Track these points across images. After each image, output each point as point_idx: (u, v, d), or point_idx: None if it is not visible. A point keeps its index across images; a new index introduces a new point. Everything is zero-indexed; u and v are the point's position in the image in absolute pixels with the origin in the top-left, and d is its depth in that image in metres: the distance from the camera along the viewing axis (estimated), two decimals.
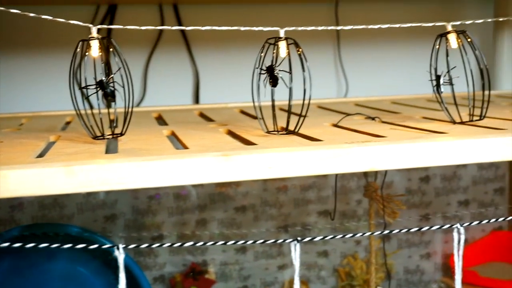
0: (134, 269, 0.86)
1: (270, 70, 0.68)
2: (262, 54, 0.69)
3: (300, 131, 0.72)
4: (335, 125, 0.79)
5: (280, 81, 0.68)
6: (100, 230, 1.09)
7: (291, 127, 0.69)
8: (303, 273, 1.17)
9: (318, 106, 1.04)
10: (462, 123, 0.73)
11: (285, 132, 0.69)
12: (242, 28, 0.69)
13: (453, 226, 0.59)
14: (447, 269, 1.22)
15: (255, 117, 0.73)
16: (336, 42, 1.27)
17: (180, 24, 1.20)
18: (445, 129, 0.69)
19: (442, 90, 0.74)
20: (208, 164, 0.54)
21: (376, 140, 0.62)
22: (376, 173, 0.86)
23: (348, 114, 0.87)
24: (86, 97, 0.63)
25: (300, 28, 0.70)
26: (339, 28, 0.69)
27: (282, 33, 0.69)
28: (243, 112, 0.97)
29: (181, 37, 1.21)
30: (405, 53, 1.31)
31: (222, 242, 0.57)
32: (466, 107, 0.76)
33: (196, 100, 1.22)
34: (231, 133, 0.75)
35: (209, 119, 0.91)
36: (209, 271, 1.10)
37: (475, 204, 1.24)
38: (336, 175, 0.93)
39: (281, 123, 0.72)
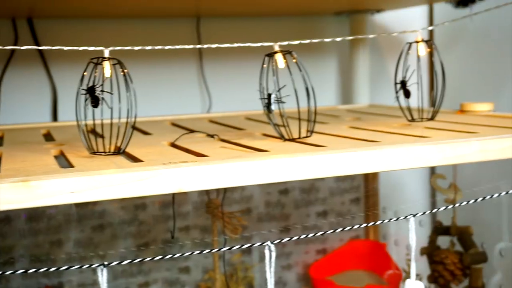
0: None
1: (91, 91, 0.67)
2: (85, 74, 0.68)
3: (133, 151, 0.72)
4: (172, 144, 0.79)
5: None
6: None
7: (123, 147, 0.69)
8: None
9: (172, 123, 1.04)
10: (292, 140, 0.75)
11: (111, 153, 0.69)
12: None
13: (264, 244, 0.60)
14: (309, 279, 1.25)
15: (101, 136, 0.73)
16: (198, 58, 1.28)
17: (35, 39, 1.17)
18: (270, 146, 0.70)
19: (273, 108, 0.77)
20: (6, 191, 0.52)
21: (195, 160, 0.62)
22: (217, 190, 0.87)
23: (189, 132, 0.88)
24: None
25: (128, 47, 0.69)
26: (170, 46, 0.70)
27: (106, 53, 0.69)
28: (92, 131, 0.96)
29: (37, 52, 1.18)
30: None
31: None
32: (314, 122, 0.77)
33: (55, 117, 1.19)
34: (61, 154, 0.74)
35: (51, 139, 0.89)
36: None
37: (333, 214, 1.29)
38: (173, 198, 0.94)
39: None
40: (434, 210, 0.69)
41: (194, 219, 1.14)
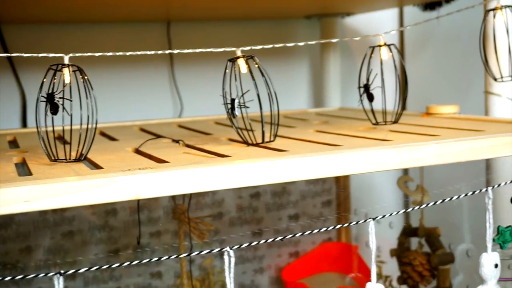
0: None
1: (50, 98, 0.67)
2: (45, 80, 0.68)
3: (96, 157, 0.72)
4: (136, 150, 0.79)
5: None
6: None
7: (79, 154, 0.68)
8: None
9: (141, 129, 1.04)
10: (255, 144, 0.76)
11: (72, 160, 0.68)
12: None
13: (223, 250, 0.61)
14: (281, 283, 1.26)
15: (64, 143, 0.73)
16: (169, 62, 1.28)
17: (4, 45, 1.16)
18: (233, 152, 0.71)
19: (236, 113, 0.77)
20: None
21: (154, 166, 0.62)
22: (184, 195, 0.87)
23: (155, 138, 0.88)
24: None
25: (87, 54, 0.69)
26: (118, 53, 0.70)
27: (66, 60, 0.68)
28: (59, 137, 0.96)
29: (6, 57, 1.17)
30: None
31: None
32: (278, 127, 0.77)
33: (24, 123, 1.19)
34: (23, 162, 0.73)
35: (16, 146, 0.88)
36: None
37: (305, 218, 1.29)
38: (138, 203, 0.94)
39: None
40: (394, 213, 0.69)
41: (165, 224, 1.14)
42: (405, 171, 1.36)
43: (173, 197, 0.87)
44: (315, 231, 0.69)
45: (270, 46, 0.79)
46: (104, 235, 1.12)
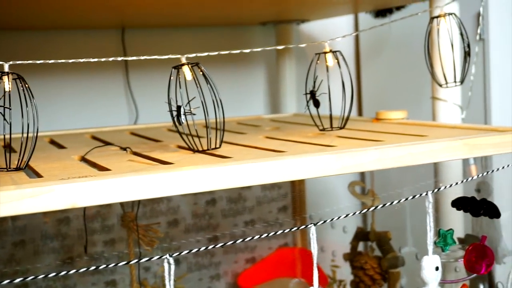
0: None
1: None
2: None
3: (38, 166, 0.71)
4: (82, 158, 0.78)
5: None
6: None
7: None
8: None
9: (92, 136, 1.03)
10: (201, 151, 0.76)
11: (13, 169, 0.68)
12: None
13: (163, 257, 0.61)
14: None
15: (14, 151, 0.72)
16: (124, 69, 1.28)
17: None
18: (177, 159, 0.71)
19: (182, 121, 0.77)
20: None
21: (95, 174, 0.62)
22: (133, 202, 0.87)
23: (103, 145, 0.87)
24: None
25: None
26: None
27: (6, 68, 0.68)
28: (6, 145, 0.94)
29: None
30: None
31: None
32: (223, 133, 0.77)
33: None
34: None
35: None
36: None
37: (261, 223, 1.30)
38: (84, 212, 0.93)
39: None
40: (335, 218, 0.70)
41: (118, 232, 1.13)
42: (362, 175, 1.38)
43: (122, 205, 0.87)
44: (264, 235, 0.70)
45: (216, 53, 0.79)
46: (56, 244, 1.11)
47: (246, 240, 0.69)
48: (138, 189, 0.59)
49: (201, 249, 0.65)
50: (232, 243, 0.69)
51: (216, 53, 0.79)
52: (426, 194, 0.70)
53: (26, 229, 1.09)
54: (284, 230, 0.71)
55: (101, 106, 1.27)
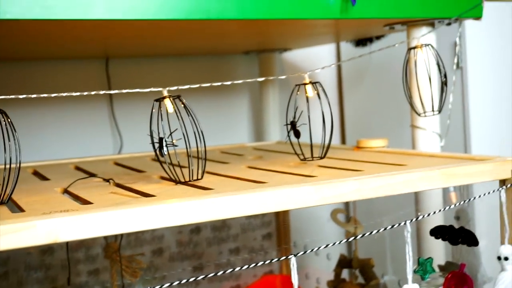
0: None
1: None
2: None
3: (21, 199, 0.72)
4: (65, 190, 0.79)
5: None
6: None
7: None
8: None
9: (76, 167, 1.04)
10: (183, 183, 0.77)
11: None
12: None
13: None
14: None
15: None
16: (109, 99, 1.29)
17: None
18: (159, 191, 0.72)
19: (165, 152, 0.78)
20: None
21: (77, 208, 0.63)
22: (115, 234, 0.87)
23: (86, 177, 0.88)
24: None
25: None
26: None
27: None
28: None
29: None
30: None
31: None
32: (205, 164, 0.78)
33: None
34: None
35: None
36: None
37: (245, 251, 1.30)
38: (67, 243, 0.93)
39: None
40: (316, 249, 0.71)
41: (102, 262, 1.13)
42: (345, 203, 1.39)
43: (105, 236, 0.87)
44: (252, 266, 0.70)
45: (197, 85, 0.80)
46: (40, 275, 1.11)
47: (231, 271, 0.69)
48: (120, 222, 0.60)
49: (184, 281, 0.65)
50: (215, 275, 0.70)
51: (197, 85, 0.81)
52: (405, 224, 0.71)
53: (10, 260, 1.09)
54: (265, 262, 0.72)
55: (86, 136, 1.28)
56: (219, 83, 0.82)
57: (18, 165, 0.67)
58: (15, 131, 0.68)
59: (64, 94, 0.73)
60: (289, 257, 0.68)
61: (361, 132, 1.44)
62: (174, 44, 1.18)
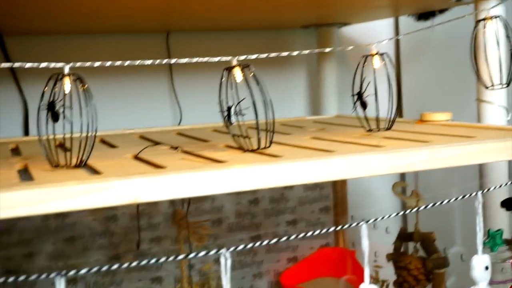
0: None
1: (51, 106, 0.69)
2: (46, 89, 0.70)
3: (95, 164, 0.74)
4: (135, 156, 0.81)
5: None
6: None
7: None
8: None
9: (140, 136, 1.06)
10: (251, 151, 0.78)
11: (73, 166, 0.70)
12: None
13: (219, 252, 0.63)
14: (279, 287, 1.28)
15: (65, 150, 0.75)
16: (169, 71, 1.31)
17: (6, 56, 1.19)
18: (229, 157, 0.73)
19: (233, 120, 0.79)
20: None
21: (152, 171, 0.64)
22: (182, 200, 0.89)
23: (153, 145, 0.90)
24: None
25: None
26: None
27: (66, 69, 0.70)
28: (60, 144, 0.98)
29: (8, 68, 1.20)
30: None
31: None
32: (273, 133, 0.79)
33: (26, 132, 1.21)
34: (25, 168, 0.75)
35: (18, 153, 0.90)
36: None
37: (302, 223, 1.31)
38: (137, 209, 0.96)
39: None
40: (386, 217, 0.71)
41: (164, 230, 1.16)
42: (402, 176, 1.38)
43: (173, 203, 0.90)
44: (309, 234, 0.71)
45: (265, 55, 0.81)
46: (104, 241, 1.14)
47: (289, 239, 0.70)
48: (197, 185, 0.61)
49: (249, 246, 0.67)
50: (276, 241, 0.71)
51: (265, 55, 0.81)
52: (476, 194, 0.71)
53: (76, 226, 1.13)
54: (328, 230, 0.72)
55: (146, 108, 1.30)
56: (286, 53, 0.82)
57: (94, 130, 0.69)
58: (91, 97, 0.70)
59: (137, 62, 0.75)
60: (360, 223, 0.68)
61: (418, 107, 1.42)
62: (234, 17, 1.19)
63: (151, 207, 1.15)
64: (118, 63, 0.76)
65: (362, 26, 1.44)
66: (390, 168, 0.68)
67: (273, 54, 0.82)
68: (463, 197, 0.71)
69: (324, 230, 0.73)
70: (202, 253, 0.63)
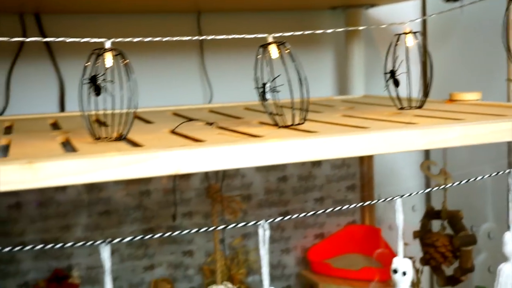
0: None
1: (93, 80, 0.71)
2: (87, 64, 0.72)
3: (134, 137, 0.76)
4: (172, 131, 0.83)
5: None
6: None
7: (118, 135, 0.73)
8: (170, 272, 1.21)
9: (174, 113, 1.08)
10: (286, 127, 0.80)
11: (114, 139, 0.73)
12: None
13: (258, 223, 0.65)
14: (307, 263, 1.30)
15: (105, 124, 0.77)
16: (199, 50, 1.33)
17: (43, 33, 1.21)
18: (265, 133, 0.75)
19: (268, 97, 0.81)
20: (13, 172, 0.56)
21: (191, 144, 0.67)
22: (216, 175, 0.92)
23: (188, 120, 0.92)
24: None
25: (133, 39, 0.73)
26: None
27: (108, 44, 0.73)
28: (97, 120, 1.00)
29: (44, 46, 1.22)
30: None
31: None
32: (307, 110, 0.80)
33: (62, 108, 1.24)
34: (66, 141, 0.78)
35: (58, 128, 0.93)
36: (73, 276, 1.11)
37: (329, 201, 1.33)
38: (174, 177, 0.98)
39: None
40: (419, 192, 0.73)
41: (196, 205, 1.18)
42: (427, 155, 1.39)
43: (206, 178, 0.92)
44: (337, 208, 0.73)
45: (300, 33, 0.82)
46: (138, 215, 1.17)
47: (318, 213, 0.72)
48: (237, 158, 0.63)
49: (286, 219, 0.69)
50: (308, 215, 0.73)
51: (300, 33, 0.83)
52: (509, 172, 0.72)
53: (110, 200, 1.16)
54: (368, 203, 0.75)
55: (177, 86, 1.33)
56: (321, 31, 0.83)
57: (135, 105, 0.71)
58: (132, 72, 0.72)
59: (175, 38, 0.77)
60: (395, 198, 0.70)
61: (444, 88, 1.42)
62: None
63: (184, 182, 1.18)
64: (157, 39, 0.78)
65: (389, 7, 1.44)
66: (425, 144, 0.70)
67: (307, 32, 0.84)
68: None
69: (353, 205, 0.75)
70: (241, 224, 0.65)
